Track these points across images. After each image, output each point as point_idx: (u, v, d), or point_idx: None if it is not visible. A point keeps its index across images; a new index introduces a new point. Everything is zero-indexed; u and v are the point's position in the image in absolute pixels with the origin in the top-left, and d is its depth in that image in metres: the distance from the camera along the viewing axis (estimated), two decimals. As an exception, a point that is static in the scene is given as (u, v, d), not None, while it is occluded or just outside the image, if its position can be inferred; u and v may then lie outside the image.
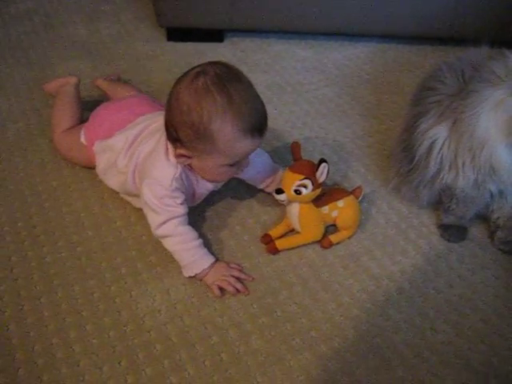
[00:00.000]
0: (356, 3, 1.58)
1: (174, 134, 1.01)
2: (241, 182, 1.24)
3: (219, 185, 1.18)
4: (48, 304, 1.04)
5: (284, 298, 1.07)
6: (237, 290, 1.07)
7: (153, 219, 1.07)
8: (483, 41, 1.12)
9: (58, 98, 1.37)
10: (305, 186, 1.08)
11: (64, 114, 1.32)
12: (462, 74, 1.06)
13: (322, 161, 1.07)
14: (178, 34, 1.67)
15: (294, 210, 1.12)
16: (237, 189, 1.26)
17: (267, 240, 1.15)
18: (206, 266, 1.07)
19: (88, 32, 1.74)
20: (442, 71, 1.08)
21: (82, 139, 1.24)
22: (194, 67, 1.00)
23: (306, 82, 1.56)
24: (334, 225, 1.16)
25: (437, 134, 1.06)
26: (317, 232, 1.14)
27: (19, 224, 1.19)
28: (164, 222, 1.06)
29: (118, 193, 1.23)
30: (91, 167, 1.27)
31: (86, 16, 1.80)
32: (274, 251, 1.14)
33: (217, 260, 1.10)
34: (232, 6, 1.60)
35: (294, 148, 1.14)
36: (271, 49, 1.67)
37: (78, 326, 1.01)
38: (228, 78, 0.97)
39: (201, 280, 1.08)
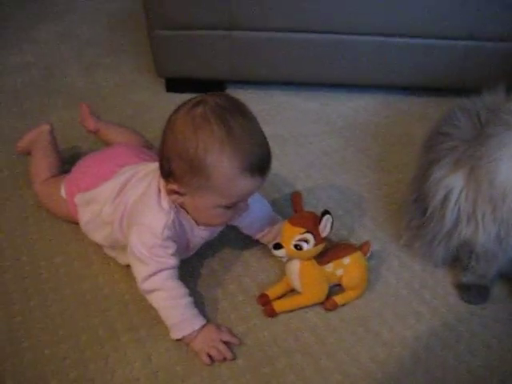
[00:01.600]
0: (363, 53, 1.52)
1: (166, 167, 0.92)
2: (237, 235, 1.14)
3: (215, 233, 1.07)
4: (11, 371, 0.92)
5: (282, 367, 0.93)
6: (225, 358, 0.94)
7: (140, 271, 0.96)
8: (497, 86, 1.04)
9: (33, 148, 1.27)
10: (306, 241, 0.97)
11: (41, 164, 1.23)
12: (477, 117, 0.97)
13: (326, 212, 0.96)
14: (177, 85, 1.61)
15: (294, 267, 1.00)
16: (233, 243, 1.15)
17: (264, 301, 1.03)
18: (196, 328, 0.95)
19: (86, 83, 1.69)
20: (455, 115, 0.99)
21: (62, 193, 1.15)
22: (194, 97, 0.91)
23: (309, 134, 1.48)
24: (339, 284, 1.04)
25: (452, 183, 0.96)
26: (320, 292, 1.01)
27: (-9, 278, 1.08)
28: (153, 274, 0.95)
29: (102, 248, 1.12)
30: (73, 222, 1.16)
31: (85, 68, 1.76)
32: (272, 314, 1.01)
33: (207, 322, 0.97)
34: (232, 57, 1.54)
35: (295, 198, 1.04)
36: (273, 100, 1.60)
37: (43, 396, 0.88)
38: (230, 110, 0.89)
39: (188, 344, 0.95)
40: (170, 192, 0.93)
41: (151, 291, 0.96)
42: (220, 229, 1.08)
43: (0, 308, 1.02)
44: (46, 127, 1.31)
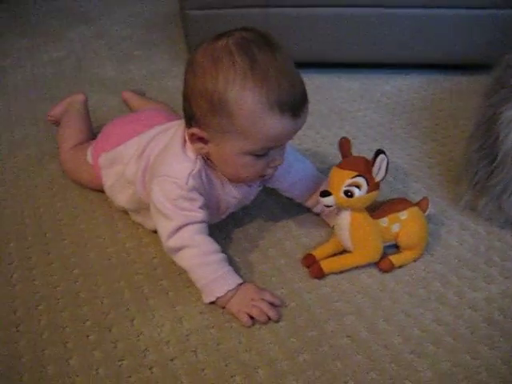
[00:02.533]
0: (404, 28, 1.43)
1: (188, 110, 0.81)
2: (278, 199, 1.04)
3: (251, 194, 0.96)
4: (26, 333, 0.82)
5: (333, 329, 0.80)
6: (269, 318, 0.82)
7: (164, 226, 0.85)
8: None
9: (64, 115, 1.22)
10: (358, 186, 0.84)
11: (71, 130, 1.17)
12: None
13: (380, 152, 0.84)
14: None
15: (344, 221, 0.88)
16: (271, 210, 1.04)
17: (310, 261, 0.91)
18: (231, 287, 0.83)
19: (118, 73, 1.64)
20: None
21: (88, 158, 1.07)
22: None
23: (352, 109, 1.38)
24: (394, 246, 0.91)
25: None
26: (374, 250, 0.89)
27: (11, 244, 0.99)
28: (178, 229, 0.84)
29: (129, 215, 1.03)
30: (100, 190, 1.08)
31: (117, 60, 1.72)
32: (320, 274, 0.89)
33: (244, 282, 0.86)
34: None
35: (343, 144, 0.91)
36: (312, 81, 1.50)
37: (58, 359, 0.77)
38: (257, 42, 0.77)
39: (223, 308, 0.84)
40: (193, 139, 0.83)
41: (178, 249, 0.85)
42: (256, 190, 0.97)
43: (21, 270, 0.93)
44: (80, 96, 1.27)
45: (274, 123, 0.77)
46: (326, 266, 0.89)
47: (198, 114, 0.79)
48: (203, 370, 0.75)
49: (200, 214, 0.85)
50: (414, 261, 0.91)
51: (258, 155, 0.81)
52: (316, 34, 1.47)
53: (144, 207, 0.94)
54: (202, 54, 0.78)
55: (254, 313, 0.81)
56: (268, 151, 0.82)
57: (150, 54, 1.75)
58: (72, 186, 1.13)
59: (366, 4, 1.41)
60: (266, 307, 0.82)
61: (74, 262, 0.94)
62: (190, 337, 0.80)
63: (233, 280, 0.84)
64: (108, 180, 1.02)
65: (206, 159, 0.86)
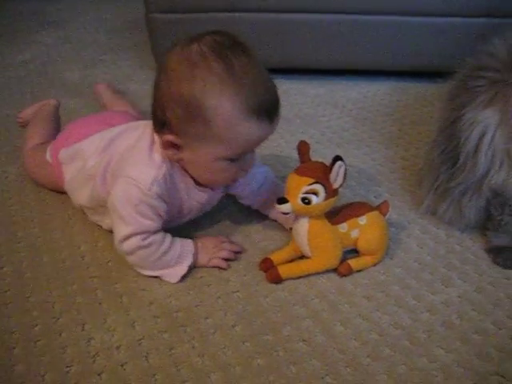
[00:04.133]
0: (372, 35, 1.44)
1: (160, 117, 0.79)
2: (236, 206, 1.02)
3: (214, 200, 0.95)
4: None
5: (289, 334, 0.79)
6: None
7: (119, 229, 0.84)
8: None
9: (35, 116, 1.21)
10: (315, 193, 0.83)
11: (37, 129, 1.16)
12: None
13: (337, 159, 0.83)
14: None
15: (302, 228, 0.87)
16: (231, 214, 1.03)
17: (267, 266, 0.89)
18: (194, 250, 0.89)
19: (83, 77, 1.61)
20: (492, 45, 0.88)
21: (48, 156, 1.05)
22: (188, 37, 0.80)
23: (317, 115, 1.38)
24: (353, 250, 0.90)
25: (487, 119, 0.84)
26: (332, 256, 0.88)
27: (-41, 249, 0.96)
28: (132, 235, 0.83)
29: (86, 217, 1.00)
30: (57, 190, 1.06)
31: (83, 64, 1.70)
32: (277, 279, 0.87)
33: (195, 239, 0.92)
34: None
35: (302, 148, 0.89)
36: (278, 87, 1.50)
37: (3, 365, 0.74)
38: (230, 46, 0.76)
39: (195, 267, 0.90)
40: (166, 146, 0.81)
41: (130, 253, 0.85)
42: (219, 196, 0.96)
43: (-34, 275, 0.90)
44: (52, 101, 1.27)
45: (252, 129, 0.77)
46: (283, 271, 0.87)
47: (173, 120, 0.77)
48: (154, 375, 0.73)
49: (156, 224, 0.84)
50: (374, 265, 0.90)
51: (233, 159, 0.81)
52: (282, 40, 1.47)
53: (102, 204, 0.92)
54: (175, 59, 0.76)
55: (223, 255, 0.90)
56: (241, 156, 0.82)
57: (116, 59, 1.73)
58: (29, 189, 1.10)
59: (333, 11, 1.42)
60: (229, 246, 0.91)
61: (27, 266, 0.91)
62: (142, 341, 0.78)
63: (189, 244, 0.89)
64: (67, 174, 1.00)
65: (177, 163, 0.85)
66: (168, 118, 0.78)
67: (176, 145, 0.80)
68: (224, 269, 0.89)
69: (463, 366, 0.73)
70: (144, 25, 1.53)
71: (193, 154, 0.81)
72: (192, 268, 0.89)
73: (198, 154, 0.80)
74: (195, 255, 0.88)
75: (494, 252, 0.91)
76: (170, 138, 0.79)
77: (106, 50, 1.80)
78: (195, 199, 0.90)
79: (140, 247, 0.83)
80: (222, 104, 0.74)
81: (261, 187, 0.99)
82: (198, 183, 0.89)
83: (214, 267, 0.90)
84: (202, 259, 0.89)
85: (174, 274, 0.87)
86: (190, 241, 0.90)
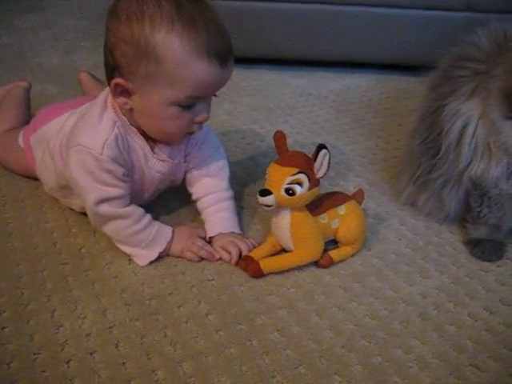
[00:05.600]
0: (355, 26, 1.43)
1: (110, 61, 0.77)
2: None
3: (176, 171, 0.92)
4: None
5: (262, 323, 0.77)
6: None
7: (85, 199, 0.82)
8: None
9: (4, 99, 1.17)
10: (299, 183, 0.80)
11: (6, 113, 1.12)
12: (503, 33, 0.85)
13: (322, 147, 0.81)
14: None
15: (284, 221, 0.84)
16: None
17: (248, 263, 0.86)
18: (169, 238, 0.87)
19: (62, 62, 1.58)
20: (476, 36, 0.87)
21: (20, 141, 1.02)
22: None
23: (298, 106, 1.37)
24: (332, 240, 0.89)
25: (470, 110, 0.83)
26: (315, 249, 0.86)
27: None
28: (98, 203, 0.81)
29: (59, 202, 0.98)
30: (29, 176, 1.04)
31: (63, 50, 1.66)
32: (258, 273, 0.85)
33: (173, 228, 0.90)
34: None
35: (279, 138, 0.86)
36: (260, 77, 1.49)
37: (-32, 352, 0.72)
38: None
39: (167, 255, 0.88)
40: (116, 92, 0.78)
41: (104, 222, 0.84)
42: (182, 166, 0.92)
43: None
44: (23, 83, 1.23)
45: (201, 69, 0.75)
46: (265, 265, 0.85)
47: (123, 62, 0.75)
48: (124, 363, 0.71)
49: (118, 189, 0.82)
50: (352, 256, 0.89)
51: (184, 107, 0.78)
52: (264, 30, 1.46)
53: (66, 184, 0.90)
54: (125, 1, 0.75)
55: (194, 250, 0.87)
56: (194, 103, 0.79)
57: (97, 45, 1.70)
58: (1, 174, 1.07)
59: (316, 1, 1.40)
60: (203, 244, 0.88)
61: (-3, 252, 0.89)
62: (112, 329, 0.76)
63: (167, 232, 0.87)
64: (37, 158, 0.98)
65: (129, 123, 0.82)
66: (118, 61, 0.76)
67: (126, 90, 0.78)
68: (195, 261, 0.88)
69: (439, 358, 0.73)
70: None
71: (142, 99, 0.78)
72: (164, 256, 0.87)
73: (148, 99, 0.77)
74: (169, 243, 0.87)
75: (472, 244, 0.90)
76: (118, 80, 0.77)
77: (87, 36, 1.76)
78: (155, 169, 0.88)
79: (113, 216, 0.82)
80: (171, 41, 0.73)
81: (211, 157, 0.95)
82: (154, 151, 0.86)
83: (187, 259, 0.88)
84: (176, 248, 0.88)
85: (143, 256, 0.86)
86: (168, 227, 0.88)
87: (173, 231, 0.88)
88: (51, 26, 1.84)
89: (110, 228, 0.84)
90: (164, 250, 0.86)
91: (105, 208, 0.81)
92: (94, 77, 1.35)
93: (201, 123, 0.83)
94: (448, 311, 0.80)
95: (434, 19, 1.41)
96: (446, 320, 0.78)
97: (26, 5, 2.02)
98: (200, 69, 0.74)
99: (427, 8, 1.40)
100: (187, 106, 0.78)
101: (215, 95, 0.83)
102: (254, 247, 0.89)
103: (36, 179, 1.02)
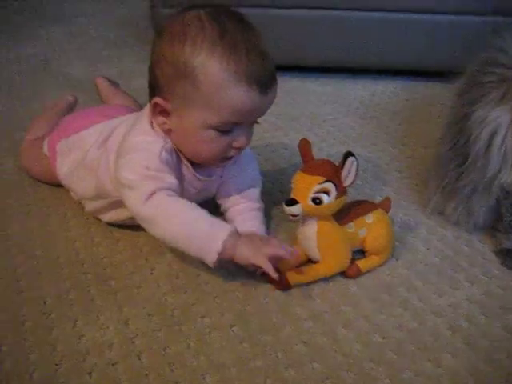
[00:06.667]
0: (381, 33, 1.41)
1: (152, 79, 0.78)
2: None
3: (211, 187, 0.91)
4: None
5: (288, 335, 0.75)
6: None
7: (134, 197, 0.78)
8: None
9: (50, 110, 1.19)
10: (326, 192, 0.79)
11: (42, 121, 1.13)
12: None
13: (349, 154, 0.79)
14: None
15: (311, 230, 0.82)
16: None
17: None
18: (231, 228, 0.77)
19: (86, 72, 1.59)
20: (504, 40, 0.85)
21: (45, 149, 1.02)
22: None
23: (323, 113, 1.35)
24: (359, 250, 0.87)
25: (499, 117, 0.81)
26: (343, 259, 0.84)
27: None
28: (151, 195, 0.76)
29: (83, 211, 0.97)
30: (52, 184, 1.04)
31: (87, 59, 1.67)
32: (286, 287, 0.82)
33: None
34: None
35: (304, 146, 0.86)
36: (284, 84, 1.47)
37: (-9, 361, 0.71)
38: (227, 14, 0.76)
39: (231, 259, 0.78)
40: (155, 112, 0.79)
41: (154, 216, 0.77)
42: (217, 182, 0.91)
43: (-43, 268, 0.87)
44: (70, 97, 1.23)
45: (240, 95, 0.74)
46: (292, 277, 0.82)
47: (163, 81, 0.76)
48: (146, 375, 0.70)
49: (171, 180, 0.79)
50: (379, 265, 0.87)
51: (222, 131, 0.77)
52: (289, 37, 1.44)
53: (103, 197, 0.90)
54: (171, 21, 0.76)
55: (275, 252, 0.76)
56: (232, 128, 0.78)
57: (120, 54, 1.71)
58: (27, 183, 1.07)
59: (341, 7, 1.39)
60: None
61: (20, 261, 0.88)
62: (135, 340, 0.75)
63: (226, 225, 0.78)
64: (63, 167, 0.97)
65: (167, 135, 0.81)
66: (158, 79, 0.77)
67: (165, 110, 0.78)
68: (264, 273, 0.78)
69: (471, 372, 0.70)
70: (149, 20, 1.51)
71: (180, 121, 0.78)
72: (223, 261, 0.78)
73: (185, 120, 0.77)
74: (233, 240, 0.76)
75: (504, 254, 0.87)
76: (157, 100, 0.77)
77: (111, 45, 1.78)
78: (192, 184, 0.87)
79: (163, 207, 0.77)
80: (211, 64, 0.72)
81: (254, 182, 0.94)
82: (195, 170, 0.85)
83: (254, 266, 0.79)
84: (247, 251, 0.76)
85: (207, 248, 0.76)
86: (227, 226, 0.79)
87: (235, 229, 0.79)
88: (75, 36, 1.85)
89: (159, 225, 0.78)
90: (224, 251, 0.76)
91: (156, 198, 0.76)
92: (110, 81, 1.34)
93: (239, 149, 0.82)
94: (480, 323, 0.77)
95: (461, 24, 1.38)
96: (477, 333, 0.75)
97: (51, 15, 2.05)
98: (238, 94, 0.73)
99: (454, 13, 1.37)
100: (225, 130, 0.77)
101: (257, 122, 0.82)
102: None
103: (60, 186, 1.02)
